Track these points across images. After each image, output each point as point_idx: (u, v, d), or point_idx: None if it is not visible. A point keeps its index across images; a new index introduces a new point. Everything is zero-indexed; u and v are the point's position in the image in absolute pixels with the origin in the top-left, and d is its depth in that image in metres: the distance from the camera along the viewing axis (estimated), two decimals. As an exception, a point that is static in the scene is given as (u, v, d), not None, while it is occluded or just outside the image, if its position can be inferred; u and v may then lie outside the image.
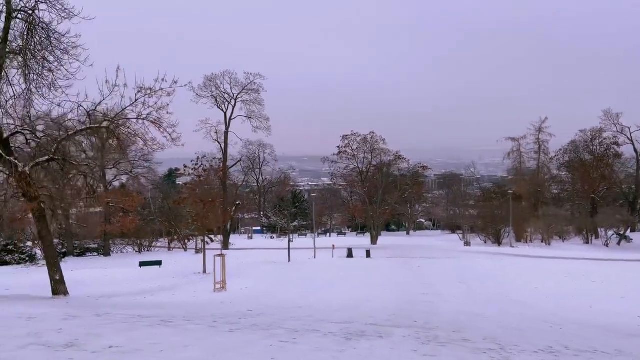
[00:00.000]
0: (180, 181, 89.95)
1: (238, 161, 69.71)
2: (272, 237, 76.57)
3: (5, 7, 14.23)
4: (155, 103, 17.30)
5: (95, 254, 47.99)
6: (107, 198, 42.25)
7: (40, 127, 15.93)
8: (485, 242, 63.08)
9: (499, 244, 59.73)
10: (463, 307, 16.50)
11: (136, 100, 16.87)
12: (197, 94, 53.59)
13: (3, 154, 13.90)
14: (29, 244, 43.60)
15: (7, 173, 14.21)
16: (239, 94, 57.24)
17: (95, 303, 14.42)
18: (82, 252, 46.94)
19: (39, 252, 43.49)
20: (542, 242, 59.39)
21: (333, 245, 45.80)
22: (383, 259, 40.48)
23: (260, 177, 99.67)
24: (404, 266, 34.14)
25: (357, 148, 69.47)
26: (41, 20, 14.38)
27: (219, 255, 22.96)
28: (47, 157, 15.13)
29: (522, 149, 74.10)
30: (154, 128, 17.71)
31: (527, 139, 73.47)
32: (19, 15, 14.47)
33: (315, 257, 41.21)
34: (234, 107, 58.06)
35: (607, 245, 55.20)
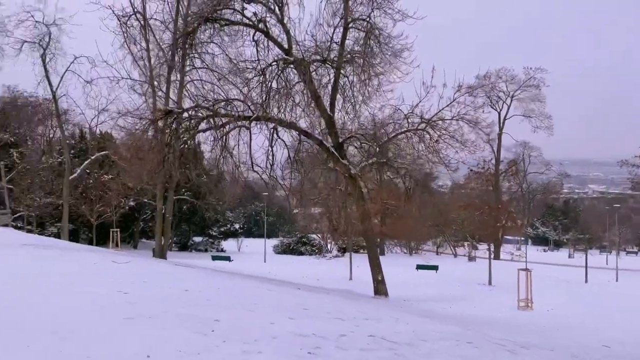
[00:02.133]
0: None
1: (513, 164, 64.30)
2: (545, 250, 69.21)
3: (342, 15, 15.01)
4: (472, 102, 16.18)
5: (370, 252, 51.08)
6: (383, 199, 44.05)
7: (368, 132, 16.62)
8: None
9: None
10: None
11: (454, 100, 16.06)
12: (472, 95, 51.70)
13: (339, 157, 14.85)
14: (314, 236, 49.47)
15: (345, 175, 15.20)
16: (515, 91, 53.01)
17: (424, 310, 14.04)
18: (356, 250, 50.52)
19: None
20: None
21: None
22: None
23: (525, 183, 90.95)
24: None
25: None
26: (375, 26, 14.73)
27: (523, 270, 20.78)
28: (373, 160, 15.67)
29: None
30: (468, 129, 16.67)
31: None
32: (356, 25, 15.14)
33: (617, 280, 34.54)
34: (509, 107, 54.30)
35: None
